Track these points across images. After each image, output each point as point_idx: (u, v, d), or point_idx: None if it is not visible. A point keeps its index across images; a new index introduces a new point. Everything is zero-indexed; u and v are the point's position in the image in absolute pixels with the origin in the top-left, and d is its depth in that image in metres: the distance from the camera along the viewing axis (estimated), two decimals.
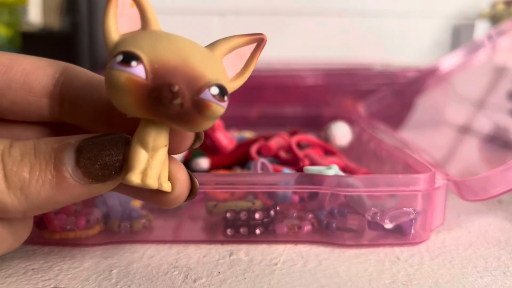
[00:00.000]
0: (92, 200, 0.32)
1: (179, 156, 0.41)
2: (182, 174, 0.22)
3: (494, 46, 0.54)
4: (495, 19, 0.86)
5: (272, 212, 0.31)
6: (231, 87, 0.21)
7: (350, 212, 0.32)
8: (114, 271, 0.27)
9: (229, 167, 0.42)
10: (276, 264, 0.28)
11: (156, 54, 0.18)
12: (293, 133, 0.47)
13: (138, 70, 0.17)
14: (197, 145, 0.24)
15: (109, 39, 0.19)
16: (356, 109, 0.60)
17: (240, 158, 0.42)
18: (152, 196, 0.22)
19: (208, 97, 0.17)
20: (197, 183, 0.23)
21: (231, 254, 0.29)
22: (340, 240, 0.31)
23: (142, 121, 0.19)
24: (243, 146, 0.44)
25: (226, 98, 0.18)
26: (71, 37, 0.71)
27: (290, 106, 0.65)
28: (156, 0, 0.93)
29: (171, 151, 0.22)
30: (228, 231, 0.31)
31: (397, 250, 0.30)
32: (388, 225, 0.30)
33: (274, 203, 0.32)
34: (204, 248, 0.30)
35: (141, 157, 0.19)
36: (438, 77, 0.58)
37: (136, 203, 0.34)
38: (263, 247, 0.30)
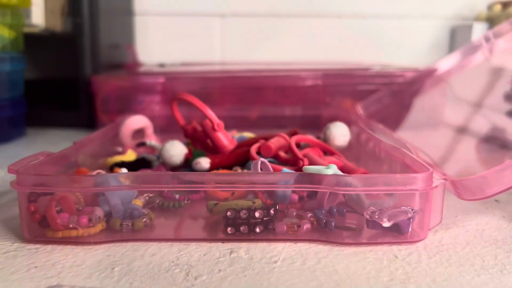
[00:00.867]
0: (94, 199, 0.32)
1: (179, 157, 0.41)
2: None
3: (491, 47, 0.55)
4: (492, 20, 0.86)
5: (272, 211, 0.31)
6: None
7: (349, 211, 0.33)
8: (116, 269, 0.27)
9: (229, 167, 0.42)
10: (275, 262, 0.28)
11: None
12: (292, 134, 0.47)
13: None
14: None
15: None
16: (355, 109, 0.60)
17: (240, 158, 0.42)
18: None
19: None
20: None
21: (231, 252, 0.30)
22: (339, 239, 0.31)
23: None
24: (243, 146, 0.44)
25: None
26: (73, 39, 0.71)
27: (289, 107, 0.65)
28: (160, 2, 0.94)
29: None
30: (229, 230, 0.31)
31: (395, 248, 0.30)
32: (386, 224, 0.30)
33: (274, 202, 0.32)
34: (205, 246, 0.30)
35: None
36: (436, 78, 0.58)
37: (138, 202, 0.34)
38: (263, 245, 0.30)
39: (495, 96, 0.53)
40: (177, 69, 0.79)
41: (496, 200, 0.40)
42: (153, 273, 0.27)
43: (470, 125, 0.55)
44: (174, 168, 0.43)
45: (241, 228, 0.31)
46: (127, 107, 0.67)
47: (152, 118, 0.55)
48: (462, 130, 0.56)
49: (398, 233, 0.31)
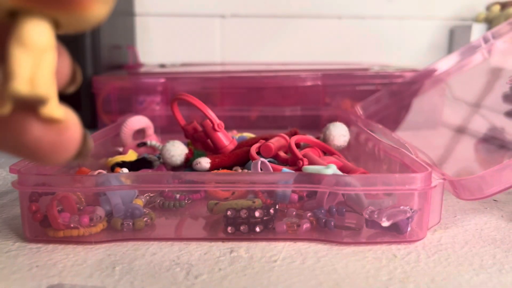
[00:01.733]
0: (95, 199, 0.32)
1: (180, 157, 0.41)
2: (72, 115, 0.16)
3: (490, 48, 0.55)
4: (491, 21, 0.86)
5: (271, 211, 0.31)
6: None
7: (348, 210, 0.33)
8: (117, 268, 0.28)
9: (229, 167, 0.42)
10: (275, 261, 0.29)
11: None
12: (292, 134, 0.47)
13: None
14: (72, 88, 0.18)
15: None
16: (354, 110, 0.60)
17: (240, 158, 0.42)
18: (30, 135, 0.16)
19: None
20: (89, 141, 0.17)
21: (231, 251, 0.30)
22: (338, 238, 0.31)
23: (18, 17, 0.15)
24: (243, 146, 0.44)
25: None
26: (75, 40, 0.72)
27: (289, 107, 0.65)
28: (161, 3, 0.94)
29: None
30: (229, 229, 0.31)
31: (394, 248, 0.31)
32: (385, 224, 0.30)
33: (273, 201, 0.32)
34: (205, 246, 0.31)
35: (23, 60, 0.14)
36: (435, 79, 0.59)
37: (139, 202, 0.35)
38: (263, 245, 0.31)
39: (494, 96, 0.54)
40: (177, 70, 0.79)
41: (494, 200, 0.40)
42: (154, 272, 0.27)
43: (469, 125, 0.55)
44: (175, 168, 0.43)
45: (241, 228, 0.31)
46: (128, 108, 0.67)
47: (152, 118, 0.56)
48: (461, 130, 0.56)
49: (397, 232, 0.31)
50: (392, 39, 0.97)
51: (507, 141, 0.49)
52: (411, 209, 0.31)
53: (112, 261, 0.28)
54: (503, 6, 0.86)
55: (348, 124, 0.49)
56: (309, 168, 0.33)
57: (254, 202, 0.31)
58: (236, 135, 0.53)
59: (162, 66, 0.86)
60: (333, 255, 0.29)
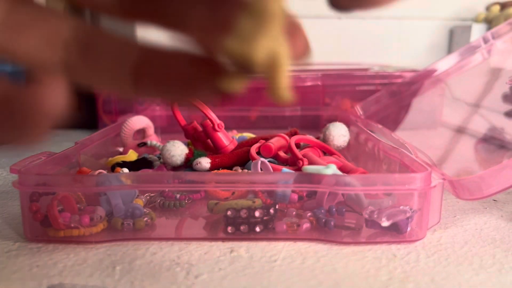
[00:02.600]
0: (96, 199, 0.32)
1: (180, 157, 0.41)
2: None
3: (490, 48, 0.55)
4: (490, 21, 0.86)
5: (271, 210, 0.31)
6: None
7: (348, 210, 0.33)
8: (117, 268, 0.28)
9: (229, 167, 0.42)
10: (275, 261, 0.29)
11: None
12: (292, 134, 0.47)
13: None
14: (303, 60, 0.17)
15: None
16: (354, 110, 0.60)
17: (240, 158, 0.42)
18: None
19: None
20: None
21: (231, 251, 0.30)
22: (338, 238, 0.31)
23: None
24: (243, 146, 0.44)
25: None
26: None
27: (289, 107, 0.65)
28: None
29: None
30: (229, 229, 0.31)
31: (394, 247, 0.31)
32: (385, 223, 0.30)
33: (273, 201, 0.32)
34: (205, 245, 0.31)
35: (241, 23, 0.13)
36: (434, 79, 0.59)
37: (139, 202, 0.35)
38: (263, 245, 0.31)
39: (493, 96, 0.54)
40: None
41: (494, 200, 0.40)
42: (154, 272, 0.27)
43: (469, 125, 0.55)
44: (175, 168, 0.43)
45: (241, 228, 0.31)
46: (128, 108, 0.67)
47: (153, 119, 0.56)
48: (460, 130, 0.56)
49: (397, 232, 0.31)
50: (392, 39, 0.97)
51: (507, 141, 0.49)
52: (410, 209, 0.31)
53: (112, 261, 0.28)
54: (503, 6, 0.86)
55: (348, 124, 0.49)
56: (309, 168, 0.33)
57: (254, 202, 0.31)
58: (236, 135, 0.53)
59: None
60: (333, 255, 0.29)
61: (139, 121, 0.52)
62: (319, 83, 0.67)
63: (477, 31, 0.86)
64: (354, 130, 0.51)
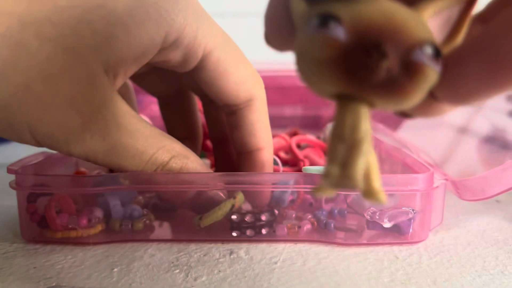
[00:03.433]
0: (93, 200, 0.32)
1: None
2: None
3: None
4: None
5: (275, 212, 0.31)
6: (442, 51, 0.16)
7: (350, 211, 0.33)
8: (115, 270, 0.27)
9: None
10: (276, 263, 0.28)
11: (357, 14, 0.14)
12: (292, 134, 0.47)
13: (337, 31, 0.14)
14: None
15: (297, 7, 0.16)
16: None
17: None
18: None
19: (420, 58, 0.14)
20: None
21: (231, 253, 0.29)
22: (339, 239, 0.31)
23: (337, 105, 0.15)
24: None
25: (439, 59, 0.15)
26: None
27: (289, 107, 0.65)
28: None
29: None
30: (234, 233, 0.31)
31: (395, 249, 0.30)
32: (387, 224, 0.30)
33: (275, 203, 0.32)
34: (205, 247, 0.30)
35: (336, 151, 0.15)
36: None
37: (137, 203, 0.34)
38: (263, 246, 0.30)
39: (496, 96, 0.53)
40: None
41: (497, 201, 0.40)
42: (153, 274, 0.27)
43: (471, 126, 0.55)
44: None
45: (248, 232, 0.31)
46: None
47: (152, 119, 0.55)
48: (463, 131, 0.56)
49: (398, 233, 0.31)
50: None
51: (510, 141, 0.48)
52: (413, 210, 0.31)
53: (110, 263, 0.28)
54: None
55: None
56: (310, 169, 0.33)
57: (235, 198, 0.30)
58: None
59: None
60: (334, 256, 0.29)
61: None
62: None
63: None
64: None
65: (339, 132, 0.15)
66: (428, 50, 0.14)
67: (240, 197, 0.31)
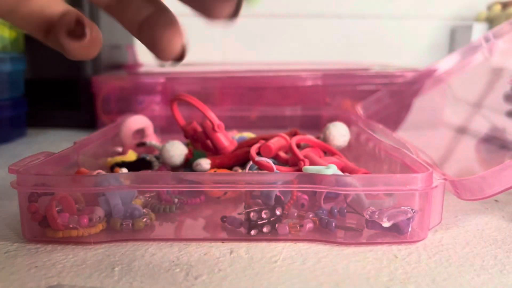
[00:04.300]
0: (94, 199, 0.32)
1: (180, 157, 0.41)
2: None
3: (491, 48, 0.55)
4: (491, 21, 0.86)
5: (278, 211, 0.31)
6: None
7: (349, 211, 0.33)
8: (116, 269, 0.27)
9: (230, 167, 0.42)
10: (275, 262, 0.28)
11: None
12: (292, 134, 0.47)
13: None
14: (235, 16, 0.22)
15: None
16: (355, 110, 0.60)
17: (240, 159, 0.42)
18: None
19: None
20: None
21: (231, 252, 0.30)
22: (339, 239, 0.31)
23: None
24: (243, 146, 0.44)
25: None
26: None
27: (289, 107, 0.65)
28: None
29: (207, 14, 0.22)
30: (252, 232, 0.31)
31: (395, 248, 0.30)
32: (386, 224, 0.30)
33: (278, 201, 0.32)
34: (205, 246, 0.30)
35: None
36: (435, 79, 0.59)
37: (138, 202, 0.35)
38: (263, 245, 0.31)
39: (495, 96, 0.53)
40: (177, 70, 0.79)
41: (495, 200, 0.40)
42: (153, 273, 0.27)
43: (470, 125, 0.55)
44: (174, 168, 0.43)
45: (264, 229, 0.31)
46: (128, 107, 0.67)
47: (152, 118, 0.55)
48: (461, 130, 0.56)
49: (398, 233, 0.31)
50: (392, 39, 0.97)
51: (508, 141, 0.49)
52: (412, 210, 0.31)
53: (111, 262, 0.28)
54: (504, 5, 0.86)
55: (348, 124, 0.49)
56: (309, 169, 0.33)
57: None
58: (236, 135, 0.53)
59: (162, 66, 0.86)
60: (333, 255, 0.29)
61: (138, 121, 0.52)
62: (320, 83, 0.67)
63: (478, 31, 0.86)
64: (354, 130, 0.51)
65: None
66: None
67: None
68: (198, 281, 0.26)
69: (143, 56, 0.90)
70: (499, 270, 0.28)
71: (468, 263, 0.29)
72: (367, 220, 0.31)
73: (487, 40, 0.55)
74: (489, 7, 0.89)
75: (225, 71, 0.77)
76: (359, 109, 0.60)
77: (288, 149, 0.42)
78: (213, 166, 0.41)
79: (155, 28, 0.22)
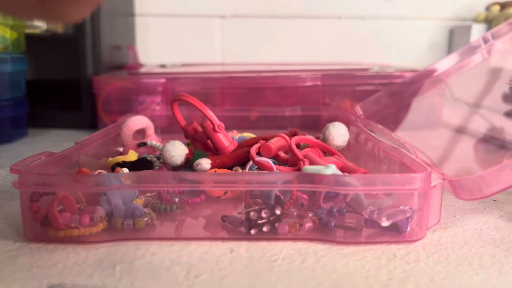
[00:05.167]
0: (96, 199, 0.32)
1: (180, 157, 0.41)
2: None
3: (489, 48, 0.55)
4: (490, 21, 0.86)
5: (278, 210, 0.31)
6: None
7: (348, 210, 0.33)
8: (117, 268, 0.28)
9: (230, 167, 0.42)
10: (275, 261, 0.29)
11: None
12: (292, 134, 0.47)
13: None
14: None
15: None
16: (354, 110, 0.60)
17: (240, 159, 0.42)
18: None
19: None
20: None
21: (231, 251, 0.30)
22: (338, 238, 0.31)
23: None
24: (243, 146, 0.44)
25: None
26: (75, 40, 0.72)
27: (289, 107, 0.65)
28: (161, 4, 0.94)
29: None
30: (252, 231, 0.31)
31: (393, 247, 0.31)
32: (385, 223, 0.30)
33: (278, 201, 0.32)
34: (205, 245, 0.31)
35: None
36: (434, 79, 0.59)
37: (139, 202, 0.35)
38: (263, 244, 0.31)
39: (493, 96, 0.54)
40: (177, 70, 0.80)
41: (494, 200, 0.40)
42: (154, 272, 0.27)
43: (469, 126, 0.55)
44: (175, 168, 0.43)
45: (264, 228, 0.31)
46: (128, 108, 0.67)
47: (153, 119, 0.56)
48: (460, 130, 0.56)
49: (396, 232, 0.31)
50: (392, 39, 0.97)
51: (507, 141, 0.49)
52: (410, 209, 0.31)
53: (112, 261, 0.28)
54: (503, 6, 0.86)
55: (348, 124, 0.49)
56: (309, 168, 0.33)
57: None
58: (236, 135, 0.53)
59: (163, 66, 0.86)
60: (333, 254, 0.29)
61: (139, 121, 0.52)
62: (319, 83, 0.67)
63: (477, 31, 0.86)
64: (354, 130, 0.51)
65: None
66: None
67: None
68: (198, 280, 0.26)
69: (144, 56, 0.91)
70: (498, 269, 0.28)
71: (466, 262, 0.29)
72: (366, 220, 0.31)
73: (485, 40, 0.55)
74: (488, 8, 0.89)
75: (225, 71, 0.77)
76: (358, 109, 0.60)
77: (288, 149, 0.42)
78: (213, 166, 0.41)
79: None
